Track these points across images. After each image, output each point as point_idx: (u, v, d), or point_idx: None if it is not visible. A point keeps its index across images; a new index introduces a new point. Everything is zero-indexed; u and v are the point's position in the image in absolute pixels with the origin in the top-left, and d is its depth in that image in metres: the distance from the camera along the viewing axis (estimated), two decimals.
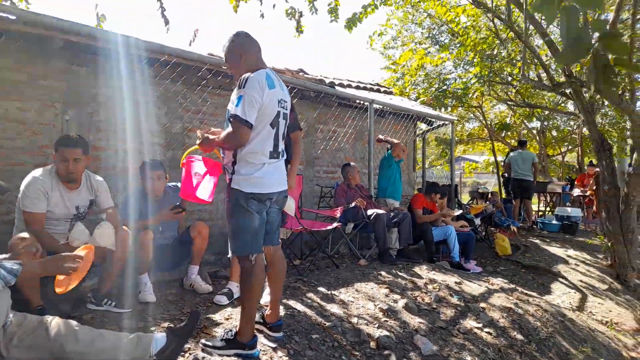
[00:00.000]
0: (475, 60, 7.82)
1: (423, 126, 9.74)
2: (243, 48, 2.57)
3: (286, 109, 2.63)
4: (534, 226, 9.93)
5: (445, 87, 10.59)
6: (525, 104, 9.43)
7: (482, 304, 4.06)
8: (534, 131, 13.82)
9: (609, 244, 6.87)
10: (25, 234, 2.53)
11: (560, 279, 6.17)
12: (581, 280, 6.28)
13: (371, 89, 8.73)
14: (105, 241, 2.82)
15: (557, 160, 16.86)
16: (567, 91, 7.15)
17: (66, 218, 2.93)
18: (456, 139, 15.18)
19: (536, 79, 6.71)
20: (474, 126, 15.69)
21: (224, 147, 2.51)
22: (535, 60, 6.14)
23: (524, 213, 10.10)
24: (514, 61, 7.34)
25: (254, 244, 2.48)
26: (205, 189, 2.75)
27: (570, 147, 14.95)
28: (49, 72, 4.57)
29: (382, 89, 9.86)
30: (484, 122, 12.53)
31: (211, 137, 2.58)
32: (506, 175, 10.13)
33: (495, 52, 8.26)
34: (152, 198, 3.56)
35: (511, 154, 9.80)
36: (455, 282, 4.46)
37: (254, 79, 2.38)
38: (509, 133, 13.59)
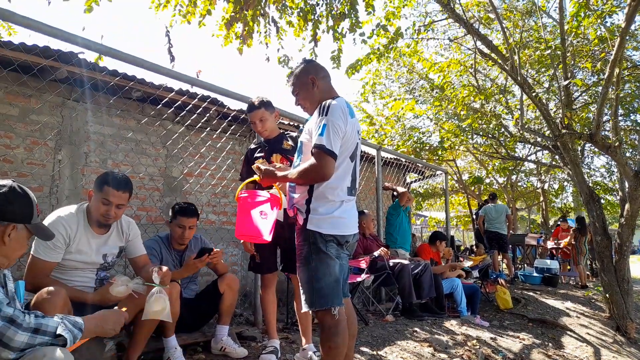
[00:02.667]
0: (462, 112, 7.95)
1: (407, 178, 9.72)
2: (317, 74, 2.31)
3: (360, 142, 2.36)
4: (515, 279, 9.87)
5: (423, 139, 10.74)
6: (510, 156, 9.64)
7: None
8: (502, 186, 14.18)
9: (606, 295, 6.85)
10: (53, 288, 1.98)
11: (569, 332, 5.98)
12: (588, 333, 6.13)
13: None
14: (160, 314, 2.25)
15: (517, 215, 17.32)
16: (551, 145, 7.39)
17: (91, 268, 2.40)
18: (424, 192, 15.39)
19: (533, 128, 6.84)
20: (440, 180, 15.96)
21: (300, 182, 2.17)
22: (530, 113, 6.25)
23: (503, 265, 10.08)
24: (501, 114, 7.49)
25: (336, 294, 2.11)
26: (265, 227, 2.35)
27: (535, 203, 15.40)
28: (43, 107, 4.09)
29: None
30: (457, 175, 12.72)
31: (278, 173, 2.25)
32: (477, 227, 10.12)
33: (478, 106, 8.47)
34: (176, 248, 3.10)
35: (485, 206, 9.80)
36: (490, 338, 4.16)
37: (337, 106, 2.12)
38: (480, 187, 13.85)
